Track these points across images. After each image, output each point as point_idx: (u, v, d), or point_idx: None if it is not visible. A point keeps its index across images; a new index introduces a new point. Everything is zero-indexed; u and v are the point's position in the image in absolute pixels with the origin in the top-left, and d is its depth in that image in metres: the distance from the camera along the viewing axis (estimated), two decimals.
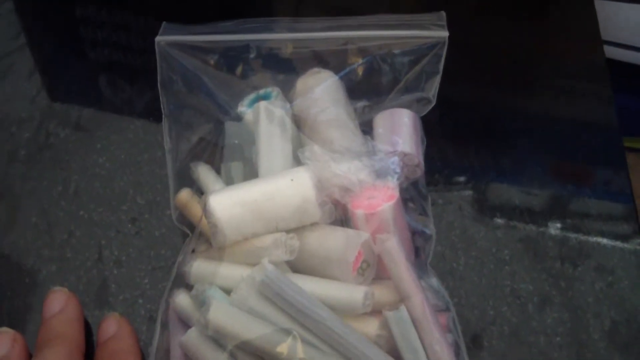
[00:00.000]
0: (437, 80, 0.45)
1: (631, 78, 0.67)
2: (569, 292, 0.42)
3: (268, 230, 0.38)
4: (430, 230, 0.41)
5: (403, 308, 0.35)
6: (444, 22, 0.45)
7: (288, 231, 0.38)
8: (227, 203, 0.37)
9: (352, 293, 0.36)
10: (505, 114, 0.51)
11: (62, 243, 0.45)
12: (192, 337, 0.36)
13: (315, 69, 0.46)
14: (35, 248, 0.44)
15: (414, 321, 0.35)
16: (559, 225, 0.45)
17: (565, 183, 0.47)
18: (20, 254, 0.44)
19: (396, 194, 0.38)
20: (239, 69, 0.47)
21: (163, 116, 0.45)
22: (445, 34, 0.45)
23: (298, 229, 0.38)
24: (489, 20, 0.50)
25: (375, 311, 0.36)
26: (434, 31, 0.45)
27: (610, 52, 0.66)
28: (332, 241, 0.37)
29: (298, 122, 0.44)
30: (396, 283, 0.36)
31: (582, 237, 0.45)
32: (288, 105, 0.44)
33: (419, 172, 0.42)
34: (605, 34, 0.56)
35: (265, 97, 0.45)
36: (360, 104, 0.45)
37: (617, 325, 0.41)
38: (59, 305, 0.38)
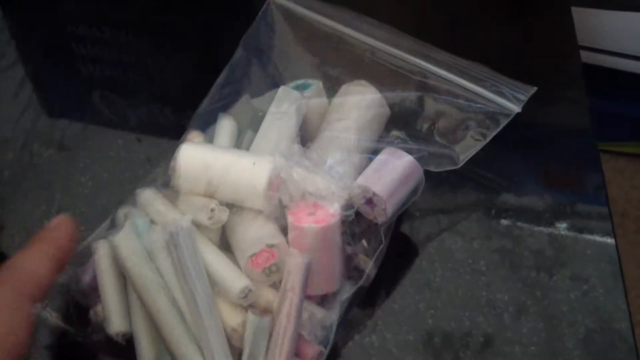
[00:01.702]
0: (478, 147, 0.44)
1: (606, 82, 0.68)
2: (544, 302, 0.43)
3: (212, 196, 0.40)
4: (368, 271, 0.41)
5: (267, 319, 0.37)
6: (526, 98, 0.44)
7: (226, 204, 0.40)
8: (192, 156, 0.41)
9: (235, 281, 0.38)
10: None
11: None
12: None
13: (363, 81, 0.46)
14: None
15: (271, 338, 0.37)
16: (534, 234, 0.46)
17: (542, 189, 0.48)
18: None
19: (331, 221, 0.38)
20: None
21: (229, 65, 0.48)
22: (516, 109, 0.44)
23: (239, 209, 0.41)
24: (466, 24, 0.50)
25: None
26: (508, 102, 0.44)
27: (587, 56, 0.67)
28: (247, 232, 0.40)
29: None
30: (280, 296, 0.38)
31: (558, 246, 0.45)
32: (325, 102, 0.45)
33: (384, 217, 0.41)
34: (581, 39, 0.57)
35: (305, 87, 0.46)
36: (395, 132, 0.45)
37: (591, 333, 0.41)
38: (56, 222, 0.40)
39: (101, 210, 0.48)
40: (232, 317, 0.38)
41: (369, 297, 0.43)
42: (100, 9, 0.61)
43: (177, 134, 0.46)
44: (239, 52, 0.48)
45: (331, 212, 0.39)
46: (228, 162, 0.40)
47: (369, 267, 0.41)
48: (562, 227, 0.46)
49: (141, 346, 0.38)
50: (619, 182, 0.94)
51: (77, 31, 0.60)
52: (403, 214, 0.44)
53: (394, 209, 0.41)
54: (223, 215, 0.39)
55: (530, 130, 0.51)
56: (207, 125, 0.45)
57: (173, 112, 0.54)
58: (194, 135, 0.45)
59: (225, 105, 0.46)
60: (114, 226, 0.42)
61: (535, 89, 0.45)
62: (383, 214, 0.40)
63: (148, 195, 0.42)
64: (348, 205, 0.40)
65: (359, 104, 0.45)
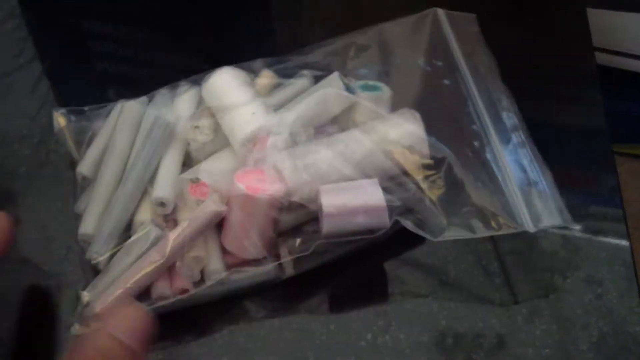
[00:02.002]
0: (462, 237, 0.42)
1: (622, 84, 0.67)
2: (558, 304, 0.43)
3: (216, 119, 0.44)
4: (285, 266, 0.42)
5: (155, 231, 0.41)
6: (549, 226, 0.42)
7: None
8: (223, 79, 0.45)
9: (161, 189, 0.42)
10: None
11: (61, 258, 0.46)
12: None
13: (417, 114, 0.45)
14: (34, 263, 0.45)
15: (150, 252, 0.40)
16: (548, 236, 0.46)
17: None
18: (19, 270, 0.45)
19: (259, 196, 0.39)
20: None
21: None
22: (527, 229, 0.41)
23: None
24: (481, 25, 0.50)
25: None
26: (527, 219, 0.42)
27: (602, 58, 0.66)
28: (213, 161, 0.44)
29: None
30: (177, 225, 0.41)
31: (572, 248, 0.45)
32: (381, 108, 0.45)
33: (321, 231, 0.41)
34: (596, 41, 0.57)
35: (373, 89, 0.47)
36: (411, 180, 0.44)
37: (605, 336, 0.41)
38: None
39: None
40: (143, 215, 0.43)
41: (381, 297, 0.43)
42: (116, 6, 0.62)
43: None
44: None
45: (267, 188, 0.40)
46: (239, 101, 0.43)
47: (287, 263, 0.42)
48: (576, 229, 0.46)
49: (83, 196, 0.45)
50: (634, 184, 0.93)
51: (93, 28, 0.60)
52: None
53: (332, 230, 0.40)
54: (201, 137, 0.43)
55: (544, 131, 0.51)
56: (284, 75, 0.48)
57: None
58: (265, 74, 0.48)
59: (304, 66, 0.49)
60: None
61: (577, 227, 0.44)
62: (322, 227, 0.41)
63: (186, 90, 0.48)
64: (288, 194, 0.40)
65: (398, 130, 0.44)
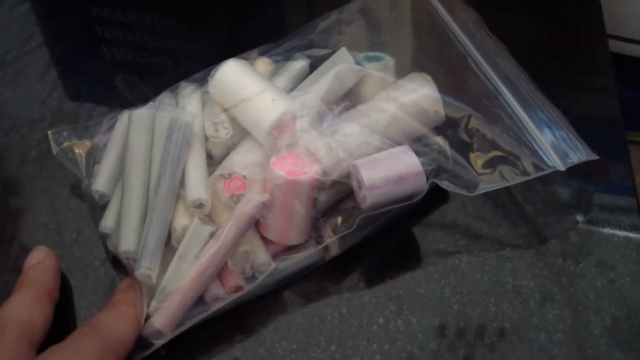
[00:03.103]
0: (497, 187, 0.42)
1: (636, 72, 0.67)
2: (570, 289, 0.42)
3: (232, 113, 0.43)
4: (331, 247, 0.43)
5: (208, 228, 0.39)
6: (577, 161, 0.43)
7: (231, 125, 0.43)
8: (231, 71, 0.43)
9: (195, 190, 0.41)
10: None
11: (72, 242, 0.46)
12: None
13: (427, 76, 0.45)
14: (45, 247, 0.45)
15: (202, 253, 0.39)
16: (560, 221, 0.45)
17: (568, 177, 0.47)
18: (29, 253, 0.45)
19: (301, 179, 0.39)
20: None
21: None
22: (558, 167, 0.42)
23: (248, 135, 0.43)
24: (493, 14, 0.50)
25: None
26: (554, 158, 0.42)
27: (615, 46, 0.66)
28: (239, 155, 0.42)
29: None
30: (225, 223, 0.40)
31: (584, 233, 0.45)
32: (390, 76, 0.46)
33: (364, 206, 0.41)
34: (610, 28, 0.56)
35: (377, 59, 0.47)
36: (439, 139, 0.44)
37: (618, 321, 0.41)
38: (37, 258, 0.42)
39: None
40: (182, 219, 0.41)
41: (395, 281, 0.43)
42: None
43: None
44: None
45: (307, 171, 0.40)
46: (254, 90, 0.42)
47: (332, 243, 0.42)
48: (588, 215, 0.46)
49: (109, 211, 0.43)
50: None
51: (102, 14, 0.60)
52: (429, 200, 0.44)
53: (375, 202, 0.40)
54: (224, 133, 0.42)
55: None
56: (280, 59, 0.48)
57: None
58: (262, 61, 0.47)
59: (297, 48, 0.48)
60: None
61: (596, 157, 0.43)
62: (364, 201, 0.41)
63: (188, 89, 0.46)
64: (326, 173, 0.40)
65: (413, 94, 0.44)
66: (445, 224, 0.45)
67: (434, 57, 0.48)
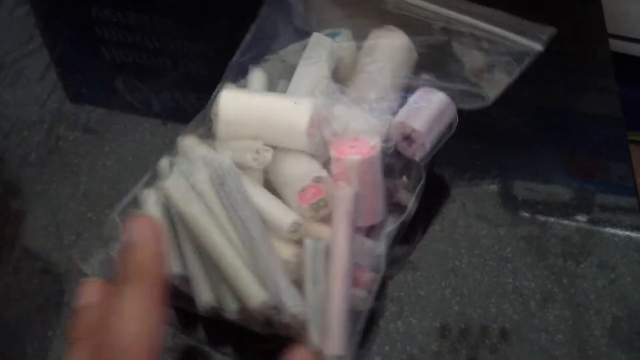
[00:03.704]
0: (505, 85, 0.44)
1: (637, 71, 0.67)
2: (571, 289, 0.42)
3: (255, 138, 0.41)
4: (409, 206, 0.42)
5: (323, 242, 0.38)
6: (546, 38, 0.45)
7: (271, 144, 0.41)
8: (233, 101, 0.42)
9: (284, 216, 0.38)
10: (509, 109, 0.51)
11: (70, 244, 0.46)
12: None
13: (391, 26, 0.47)
14: (44, 249, 0.45)
15: (331, 265, 0.37)
16: (561, 221, 0.45)
17: (569, 177, 0.47)
18: (29, 256, 0.45)
19: (372, 153, 0.39)
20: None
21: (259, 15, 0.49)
22: (538, 47, 0.44)
23: (282, 149, 0.41)
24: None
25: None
26: (529, 41, 0.45)
27: (616, 45, 0.66)
28: (295, 168, 0.41)
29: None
30: (332, 229, 0.38)
31: (585, 234, 0.45)
32: (353, 49, 0.47)
33: (423, 152, 0.42)
34: (611, 27, 0.56)
35: (335, 35, 0.47)
36: (426, 76, 0.46)
37: (618, 321, 0.41)
38: (144, 235, 0.34)
39: (126, 193, 0.47)
40: (286, 250, 0.38)
41: (395, 282, 0.43)
42: None
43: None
44: (264, 8, 0.49)
45: (372, 144, 0.40)
46: (269, 104, 0.41)
47: (411, 201, 0.42)
48: (588, 215, 0.46)
49: (198, 286, 0.38)
50: None
51: (102, 16, 0.60)
52: (429, 201, 0.44)
53: (432, 144, 0.42)
54: (268, 155, 0.40)
55: (558, 117, 0.50)
56: (238, 79, 0.46)
57: (197, 97, 0.54)
58: (230, 87, 0.45)
59: (255, 58, 0.47)
60: (156, 178, 0.43)
61: (554, 29, 0.45)
62: (422, 149, 0.42)
63: (189, 142, 0.43)
64: (387, 139, 0.41)
65: (391, 46, 0.46)
66: (445, 225, 0.45)
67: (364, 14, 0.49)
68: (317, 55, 0.45)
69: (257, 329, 0.38)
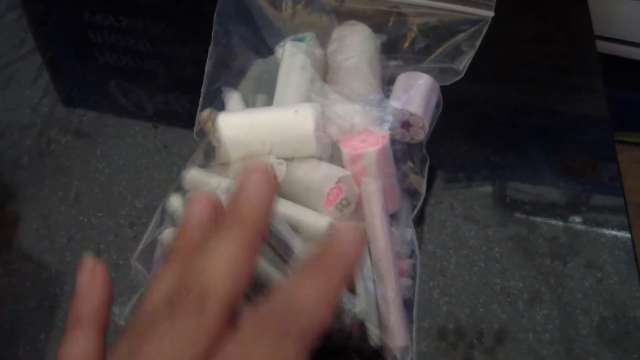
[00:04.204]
0: (471, 55, 0.46)
1: (623, 72, 0.67)
2: (558, 289, 0.43)
3: (264, 154, 0.41)
4: (422, 190, 0.44)
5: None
6: (493, 3, 0.47)
7: (281, 157, 0.41)
8: (233, 123, 0.41)
9: (318, 221, 0.39)
10: (498, 110, 0.51)
11: (62, 247, 0.46)
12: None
13: (352, 21, 0.48)
14: (36, 252, 0.46)
15: (376, 261, 0.38)
16: (549, 222, 0.46)
17: (557, 178, 0.48)
18: (21, 259, 0.45)
19: (385, 142, 0.40)
20: (288, 11, 0.50)
21: (212, 42, 0.49)
22: (490, 13, 0.46)
23: (293, 159, 0.41)
24: None
25: None
26: (480, 10, 0.47)
27: (603, 46, 0.66)
28: (314, 173, 0.40)
29: (327, 68, 0.48)
30: (367, 224, 0.39)
31: (573, 234, 0.45)
32: (321, 51, 0.48)
33: (423, 134, 0.44)
34: (597, 29, 0.56)
35: (301, 41, 0.47)
36: (394, 62, 0.48)
37: (605, 320, 0.41)
38: (256, 184, 0.31)
39: (117, 196, 0.48)
40: None
41: None
42: None
43: (193, 122, 0.47)
44: (215, 33, 0.50)
45: (381, 134, 0.41)
46: (271, 118, 0.41)
47: (424, 183, 0.44)
48: (577, 216, 0.46)
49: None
50: (635, 172, 0.94)
51: (94, 19, 0.60)
52: (418, 201, 0.45)
53: (428, 126, 0.44)
54: (282, 168, 0.41)
55: (546, 119, 0.51)
56: (212, 103, 0.47)
57: (189, 100, 0.54)
58: (207, 112, 0.46)
59: (224, 81, 0.48)
60: (164, 217, 0.42)
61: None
62: (421, 131, 0.43)
63: (195, 174, 0.43)
64: (394, 125, 0.42)
65: (359, 40, 0.47)
66: (433, 226, 0.45)
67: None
68: (293, 61, 0.45)
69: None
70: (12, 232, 0.47)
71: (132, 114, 0.53)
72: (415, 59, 0.48)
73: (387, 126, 0.42)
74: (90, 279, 0.32)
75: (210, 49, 0.49)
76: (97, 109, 0.53)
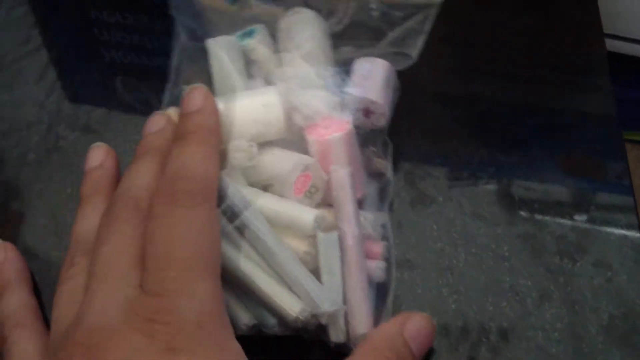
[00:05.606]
0: (422, 39, 0.46)
1: (632, 71, 0.67)
2: (567, 288, 0.43)
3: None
4: (389, 174, 0.44)
5: (335, 233, 0.38)
6: None
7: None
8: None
9: (302, 214, 0.39)
10: (504, 108, 0.51)
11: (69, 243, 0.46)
12: None
13: (298, 8, 0.47)
14: (44, 250, 0.46)
15: (344, 249, 0.38)
16: (557, 220, 0.45)
17: (565, 176, 0.47)
18: (28, 256, 0.45)
19: (349, 127, 0.41)
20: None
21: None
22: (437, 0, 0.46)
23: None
24: (489, 13, 0.50)
25: None
26: None
27: (612, 44, 0.66)
28: (281, 161, 0.40)
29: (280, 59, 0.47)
30: (336, 212, 0.39)
31: (581, 232, 0.45)
32: (271, 42, 0.47)
33: (384, 120, 0.44)
34: (607, 27, 0.56)
35: (251, 34, 0.46)
36: (346, 49, 0.47)
37: (614, 319, 0.41)
38: (198, 100, 0.38)
39: None
40: (300, 245, 0.38)
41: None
42: None
43: None
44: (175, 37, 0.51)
45: (345, 120, 0.41)
46: (238, 107, 0.41)
47: (388, 167, 0.44)
48: (584, 214, 0.46)
49: (235, 309, 0.38)
50: None
51: (100, 16, 0.60)
52: (426, 200, 0.45)
53: (390, 110, 0.44)
54: (254, 149, 0.40)
55: (553, 117, 0.51)
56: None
57: None
58: (173, 111, 0.45)
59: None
60: None
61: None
62: (383, 118, 0.44)
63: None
64: (356, 110, 0.43)
65: (308, 26, 0.46)
66: (441, 224, 0.45)
67: None
68: (221, 59, 0.45)
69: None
70: (19, 228, 0.47)
71: (139, 111, 0.53)
72: (366, 45, 0.47)
73: (348, 113, 0.42)
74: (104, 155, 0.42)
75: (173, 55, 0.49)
76: (104, 105, 0.53)
